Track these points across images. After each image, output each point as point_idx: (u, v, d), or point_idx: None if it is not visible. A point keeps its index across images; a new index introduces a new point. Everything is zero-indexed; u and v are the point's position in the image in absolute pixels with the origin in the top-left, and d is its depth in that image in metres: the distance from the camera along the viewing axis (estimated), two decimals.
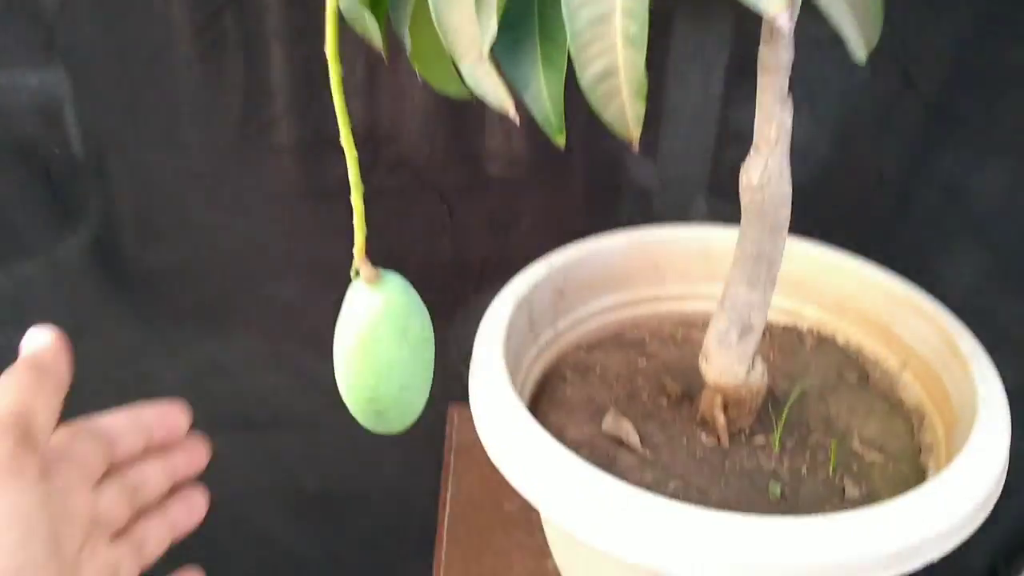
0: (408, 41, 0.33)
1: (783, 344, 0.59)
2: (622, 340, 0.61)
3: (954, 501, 0.42)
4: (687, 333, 0.61)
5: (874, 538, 0.40)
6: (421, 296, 0.42)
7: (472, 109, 0.67)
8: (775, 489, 0.48)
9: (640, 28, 0.28)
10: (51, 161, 0.68)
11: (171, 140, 0.68)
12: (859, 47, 0.35)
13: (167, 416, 0.38)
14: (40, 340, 0.31)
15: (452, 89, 0.39)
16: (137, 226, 0.73)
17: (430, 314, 0.42)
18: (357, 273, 0.40)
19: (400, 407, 0.41)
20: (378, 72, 0.65)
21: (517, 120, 0.32)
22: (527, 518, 0.65)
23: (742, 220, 0.46)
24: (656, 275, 0.61)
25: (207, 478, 0.42)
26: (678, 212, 0.74)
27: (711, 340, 0.49)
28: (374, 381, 0.39)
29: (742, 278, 0.47)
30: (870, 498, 0.48)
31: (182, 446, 0.39)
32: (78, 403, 0.34)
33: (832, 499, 0.48)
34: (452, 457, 0.73)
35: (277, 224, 0.73)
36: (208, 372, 0.80)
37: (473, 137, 0.71)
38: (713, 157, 0.73)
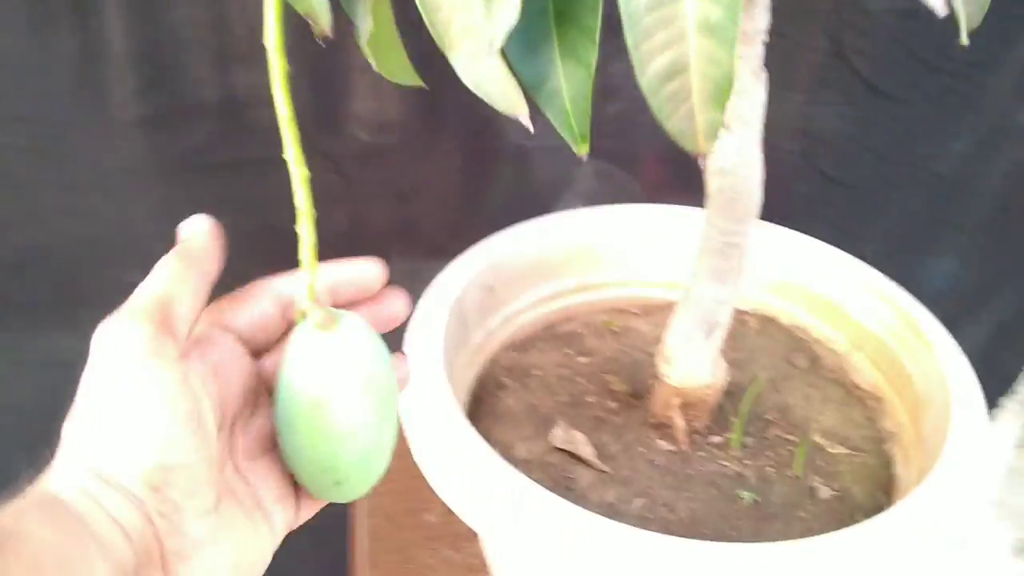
0: (367, 24, 0.26)
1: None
2: (555, 334, 0.55)
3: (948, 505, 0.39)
4: (624, 323, 0.56)
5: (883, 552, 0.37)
6: None
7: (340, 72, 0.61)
8: (746, 496, 0.45)
9: (726, 12, 0.22)
10: None
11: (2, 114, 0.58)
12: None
13: (360, 272, 0.34)
14: (193, 227, 0.31)
15: (406, 79, 0.32)
16: None
17: None
18: (303, 316, 0.31)
19: (362, 474, 0.32)
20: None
21: (531, 129, 0.26)
22: (453, 531, 0.60)
23: (707, 208, 0.41)
24: (590, 261, 0.56)
25: None
26: (562, 175, 0.70)
27: (674, 341, 0.44)
28: (333, 448, 0.30)
29: (709, 272, 0.42)
30: (843, 497, 0.45)
31: (377, 300, 0.34)
32: None
33: (804, 502, 0.45)
34: None
35: (134, 204, 0.64)
36: (63, 374, 0.70)
37: (346, 102, 0.64)
38: (595, 115, 0.69)
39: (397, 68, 0.31)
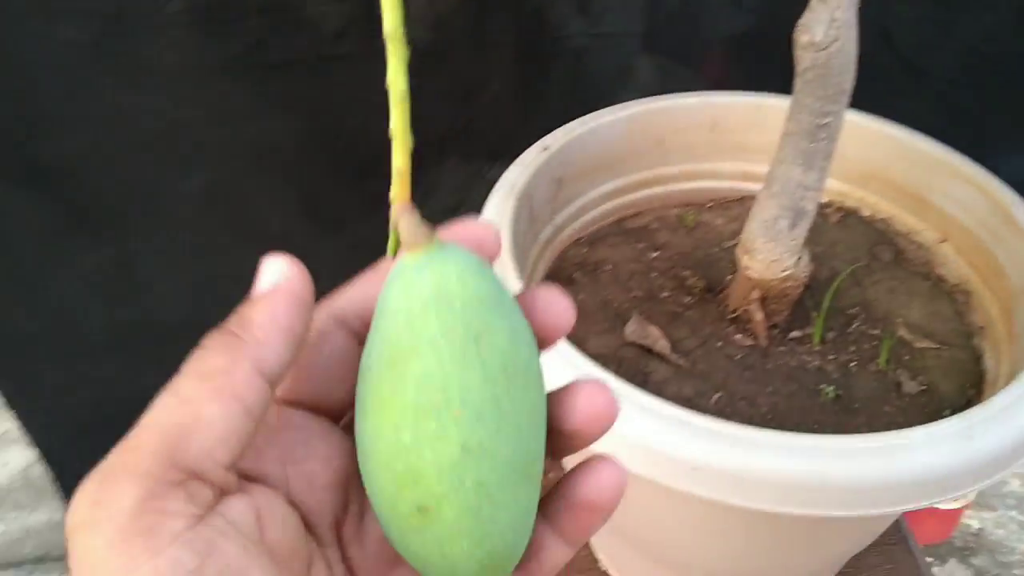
0: None
1: None
2: (626, 229, 0.54)
3: None
4: (697, 217, 0.54)
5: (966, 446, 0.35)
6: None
7: None
8: (828, 390, 0.43)
9: None
10: None
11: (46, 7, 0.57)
12: None
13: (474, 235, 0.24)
14: (271, 273, 0.21)
15: None
16: (17, 117, 0.61)
17: None
18: (396, 244, 0.22)
19: (465, 500, 0.20)
20: None
21: None
22: None
23: (796, 86, 0.39)
24: (659, 153, 0.54)
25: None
26: (617, 73, 0.67)
27: (755, 231, 0.43)
28: (411, 430, 0.20)
29: (796, 156, 0.40)
30: (929, 392, 0.44)
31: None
32: None
33: (889, 396, 0.44)
34: None
35: (189, 103, 0.63)
36: (123, 278, 0.70)
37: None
38: (649, 7, 0.65)
39: None
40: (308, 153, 0.68)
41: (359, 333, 0.23)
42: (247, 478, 0.21)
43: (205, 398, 0.19)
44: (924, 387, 0.44)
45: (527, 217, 0.47)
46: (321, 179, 0.72)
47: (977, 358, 0.46)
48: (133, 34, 0.59)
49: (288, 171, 0.71)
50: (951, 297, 0.49)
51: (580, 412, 0.22)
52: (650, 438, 0.36)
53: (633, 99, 0.62)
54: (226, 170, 0.66)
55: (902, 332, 0.47)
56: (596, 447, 0.23)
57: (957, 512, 1.06)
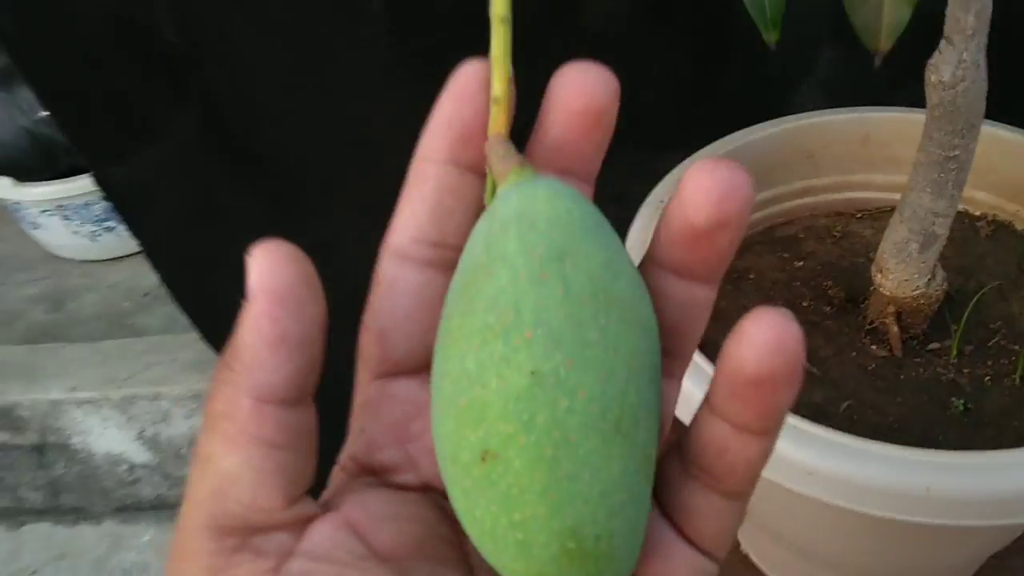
0: None
1: (955, 233, 0.55)
2: (773, 238, 0.57)
3: None
4: (845, 227, 0.57)
5: None
6: None
7: None
8: (957, 403, 0.46)
9: None
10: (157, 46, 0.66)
11: (263, 22, 0.66)
12: None
13: None
14: (262, 276, 0.19)
15: None
16: (240, 108, 0.71)
17: None
18: (493, 185, 0.20)
19: (541, 451, 0.17)
20: None
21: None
22: None
23: (927, 120, 0.41)
24: (810, 165, 0.57)
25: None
26: (802, 64, 0.68)
27: (888, 251, 0.45)
28: (476, 356, 0.17)
29: (926, 184, 0.42)
30: None
31: None
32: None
33: (1021, 412, 0.45)
34: None
35: (382, 104, 0.71)
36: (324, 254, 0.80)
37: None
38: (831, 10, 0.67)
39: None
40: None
41: (430, 260, 0.20)
42: (372, 472, 0.21)
43: (221, 453, 0.18)
44: None
45: None
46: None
47: None
48: (335, 42, 0.68)
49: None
50: None
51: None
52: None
53: (815, 95, 0.64)
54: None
55: None
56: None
57: None
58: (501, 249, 0.17)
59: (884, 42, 0.26)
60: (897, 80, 0.58)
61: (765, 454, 0.19)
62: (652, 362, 0.18)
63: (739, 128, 0.56)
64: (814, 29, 0.68)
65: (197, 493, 0.18)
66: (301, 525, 0.19)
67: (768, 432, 0.19)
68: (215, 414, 0.18)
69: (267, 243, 0.19)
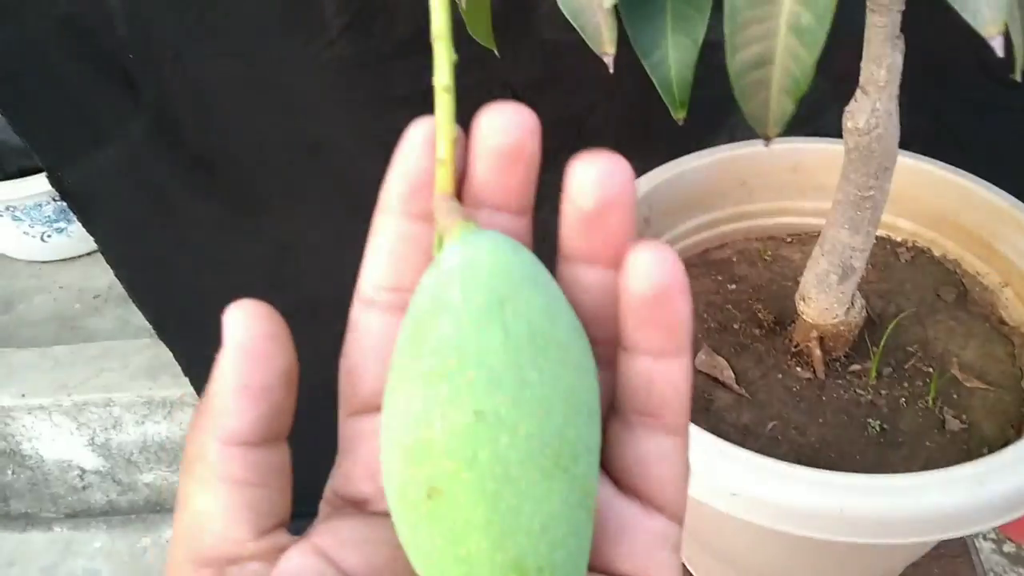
0: None
1: (876, 258, 0.58)
2: (708, 261, 0.60)
3: None
4: (776, 251, 0.60)
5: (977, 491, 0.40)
6: None
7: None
8: (874, 424, 0.49)
9: (816, 19, 0.25)
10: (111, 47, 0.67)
11: (217, 26, 0.67)
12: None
13: None
14: (235, 332, 0.20)
15: (487, 42, 0.36)
16: (196, 109, 0.72)
17: None
18: (440, 243, 0.21)
19: (480, 483, 0.18)
20: None
21: (611, 67, 0.29)
22: None
23: (844, 163, 0.44)
24: (744, 192, 0.60)
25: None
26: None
27: (809, 282, 0.48)
28: (421, 397, 0.18)
29: (844, 221, 0.45)
30: (971, 430, 0.48)
31: None
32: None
33: (931, 432, 0.48)
34: None
35: (339, 128, 0.72)
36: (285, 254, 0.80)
37: (542, 27, 0.68)
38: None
39: (483, 32, 0.35)
40: None
41: (391, 304, 0.22)
42: (352, 504, 0.22)
43: (193, 492, 0.20)
44: (966, 426, 0.48)
45: None
46: None
47: (1023, 400, 0.50)
48: (292, 71, 0.69)
49: None
50: (1008, 340, 0.53)
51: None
52: (699, 466, 0.42)
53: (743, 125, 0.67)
54: (370, 172, 0.75)
55: (955, 371, 0.51)
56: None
57: None
58: (445, 298, 0.19)
59: (772, 130, 0.29)
60: (839, 92, 0.61)
61: (686, 376, 0.21)
62: (590, 400, 0.19)
63: (694, 142, 0.59)
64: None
65: (178, 530, 0.20)
66: (275, 554, 0.20)
67: (680, 349, 0.20)
68: (189, 457, 0.20)
69: (241, 301, 0.20)
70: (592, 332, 0.21)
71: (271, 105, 0.71)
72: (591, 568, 0.21)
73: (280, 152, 0.75)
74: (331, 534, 0.21)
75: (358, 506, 0.22)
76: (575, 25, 0.30)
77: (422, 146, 0.22)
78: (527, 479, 0.18)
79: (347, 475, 0.23)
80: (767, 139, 0.29)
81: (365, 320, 0.22)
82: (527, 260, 0.20)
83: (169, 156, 0.74)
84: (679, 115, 0.31)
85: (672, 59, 0.32)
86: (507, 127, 0.21)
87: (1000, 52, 0.23)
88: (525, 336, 0.18)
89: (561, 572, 0.18)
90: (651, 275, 0.19)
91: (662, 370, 0.21)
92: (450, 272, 0.19)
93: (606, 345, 0.22)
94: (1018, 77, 0.25)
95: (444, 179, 0.21)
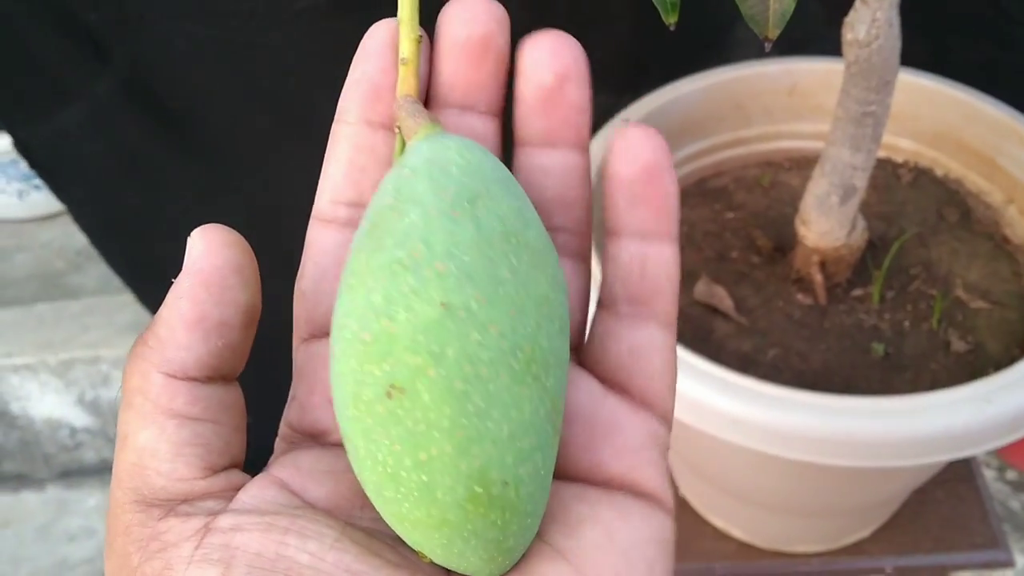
0: None
1: (877, 180, 0.56)
2: (705, 190, 0.58)
3: None
4: (774, 176, 0.58)
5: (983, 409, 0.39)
6: None
7: None
8: (878, 348, 0.48)
9: None
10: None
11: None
12: None
13: None
14: (196, 257, 0.19)
15: None
16: (165, 67, 0.70)
17: None
18: (402, 144, 0.20)
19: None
20: None
21: None
22: None
23: (844, 78, 0.42)
24: (740, 117, 0.58)
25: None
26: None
27: (810, 204, 0.47)
28: (383, 290, 0.17)
29: (845, 139, 0.43)
30: (976, 351, 0.47)
31: None
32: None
33: (937, 354, 0.47)
34: None
35: (316, 86, 0.70)
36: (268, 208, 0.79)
37: None
38: None
39: None
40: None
41: (348, 219, 0.21)
42: (310, 436, 0.21)
43: (134, 427, 0.18)
44: (971, 346, 0.47)
45: None
46: None
47: None
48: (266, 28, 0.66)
49: None
50: (1012, 258, 0.51)
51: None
52: (699, 395, 0.41)
53: (750, 34, 0.65)
54: None
55: (959, 292, 0.50)
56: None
57: None
58: (410, 191, 0.17)
59: (772, 31, 0.27)
60: (833, 18, 0.59)
61: (676, 264, 0.21)
62: (562, 313, 0.18)
63: (688, 67, 0.57)
64: None
65: (119, 469, 0.19)
66: (230, 492, 0.19)
67: (670, 231, 0.20)
68: (130, 390, 0.19)
69: (206, 226, 0.19)
70: (557, 218, 0.21)
71: (244, 62, 0.69)
72: (576, 474, 0.20)
73: (256, 110, 0.72)
74: (292, 466, 0.20)
75: (317, 438, 0.21)
76: None
77: (383, 48, 0.20)
78: (497, 381, 0.16)
79: (303, 405, 0.21)
80: (768, 40, 0.28)
81: (322, 238, 0.21)
82: (498, 164, 0.19)
83: (138, 116, 0.72)
84: (670, 19, 0.29)
85: None
86: (475, 17, 0.20)
87: None
88: (498, 234, 0.17)
89: (526, 491, 0.17)
90: (640, 154, 0.20)
91: (654, 254, 0.20)
92: (415, 168, 0.18)
93: (571, 234, 0.21)
94: None
95: (407, 80, 0.20)
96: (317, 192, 0.21)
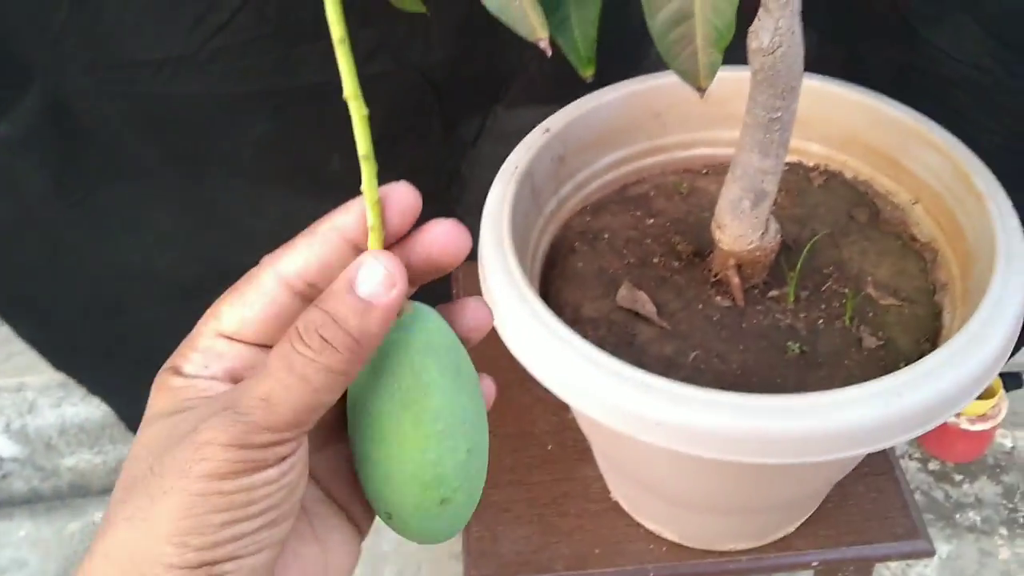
0: None
1: (790, 184, 0.58)
2: (626, 197, 0.59)
3: (975, 356, 0.42)
4: (692, 183, 0.59)
5: (898, 401, 0.41)
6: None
7: None
8: (793, 347, 0.49)
9: None
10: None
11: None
12: None
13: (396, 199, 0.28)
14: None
15: (408, 5, 0.35)
16: (91, 85, 0.69)
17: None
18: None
19: (471, 482, 0.28)
20: None
21: (548, 52, 0.29)
22: None
23: (751, 85, 0.44)
24: (658, 125, 0.59)
25: None
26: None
27: (723, 209, 0.48)
28: (435, 450, 0.27)
29: (754, 145, 0.45)
30: (887, 346, 0.49)
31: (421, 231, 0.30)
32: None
33: (850, 351, 0.49)
34: None
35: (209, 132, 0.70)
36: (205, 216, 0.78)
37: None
38: None
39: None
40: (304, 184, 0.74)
41: (299, 292, 0.27)
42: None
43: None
44: (883, 342, 0.49)
45: (529, 194, 0.53)
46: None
47: (937, 314, 0.51)
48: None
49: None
50: (919, 255, 0.53)
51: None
52: (623, 399, 0.42)
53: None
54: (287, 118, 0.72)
55: (870, 290, 0.52)
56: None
57: (989, 433, 1.09)
58: (426, 375, 0.27)
59: (704, 81, 0.29)
60: (744, 28, 0.60)
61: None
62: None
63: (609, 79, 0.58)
64: None
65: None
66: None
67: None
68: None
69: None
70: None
71: (159, 117, 0.68)
72: None
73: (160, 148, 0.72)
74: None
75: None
76: (503, 20, 0.30)
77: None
78: (481, 464, 0.29)
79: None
80: (701, 91, 0.29)
81: (272, 288, 0.27)
82: (451, 331, 0.28)
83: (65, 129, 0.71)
84: (586, 73, 0.31)
85: (575, 19, 0.31)
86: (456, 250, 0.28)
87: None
88: (473, 388, 0.28)
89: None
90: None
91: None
92: (423, 353, 0.27)
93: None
94: None
95: (375, 242, 0.26)
96: (282, 255, 0.27)
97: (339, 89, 0.26)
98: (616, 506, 0.60)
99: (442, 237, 0.27)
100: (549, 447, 0.64)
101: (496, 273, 0.47)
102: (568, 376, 0.43)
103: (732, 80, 0.58)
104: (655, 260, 0.54)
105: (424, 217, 0.27)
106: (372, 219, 0.26)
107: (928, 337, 0.49)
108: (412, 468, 0.27)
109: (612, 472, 0.59)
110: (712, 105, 0.58)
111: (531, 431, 0.65)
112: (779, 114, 0.43)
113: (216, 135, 0.72)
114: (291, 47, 0.65)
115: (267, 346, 0.27)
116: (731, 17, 0.27)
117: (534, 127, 0.55)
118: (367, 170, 0.25)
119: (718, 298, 0.52)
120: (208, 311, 0.27)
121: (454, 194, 0.71)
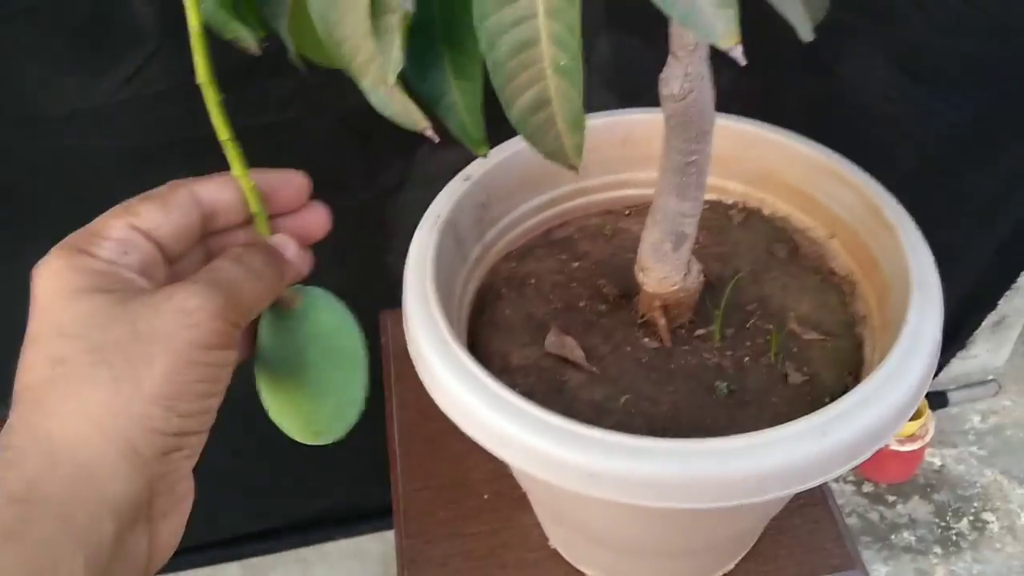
0: (289, 41, 0.29)
1: (710, 222, 0.59)
2: (551, 240, 0.59)
3: (898, 388, 0.43)
4: (615, 224, 0.60)
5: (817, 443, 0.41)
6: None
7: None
8: (721, 387, 0.49)
9: (572, 60, 0.25)
10: None
11: None
12: (805, 29, 0.30)
13: (285, 182, 0.36)
14: None
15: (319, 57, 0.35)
16: None
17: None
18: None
19: (338, 423, 0.39)
20: None
21: (436, 139, 0.29)
22: None
23: (665, 130, 0.44)
24: (579, 167, 0.59)
25: None
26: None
27: (646, 252, 0.48)
28: (312, 407, 0.38)
29: (671, 189, 0.45)
30: (813, 381, 0.49)
31: (298, 213, 0.37)
32: None
33: (776, 387, 0.49)
34: (391, 365, 0.72)
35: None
36: None
37: None
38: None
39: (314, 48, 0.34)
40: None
41: (205, 215, 0.32)
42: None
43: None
44: (807, 377, 0.49)
45: (452, 243, 0.53)
46: None
47: (858, 345, 0.51)
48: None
49: None
50: (839, 289, 0.54)
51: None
52: (552, 450, 0.41)
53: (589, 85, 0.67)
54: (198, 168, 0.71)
55: (793, 325, 0.52)
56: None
57: (919, 453, 1.12)
58: (310, 355, 0.38)
59: (575, 161, 0.30)
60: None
61: None
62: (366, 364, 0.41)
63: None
64: (590, 20, 0.71)
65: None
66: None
67: None
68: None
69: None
70: None
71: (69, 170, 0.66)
72: None
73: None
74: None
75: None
76: (386, 115, 0.31)
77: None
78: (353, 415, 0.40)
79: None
80: (575, 170, 0.30)
81: (189, 201, 0.33)
82: (341, 313, 0.39)
83: None
84: (481, 152, 0.32)
85: (460, 104, 0.32)
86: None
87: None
88: (352, 364, 0.40)
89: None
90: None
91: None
92: (305, 339, 0.38)
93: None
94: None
95: (261, 227, 0.35)
96: (202, 180, 0.33)
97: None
98: (555, 554, 0.60)
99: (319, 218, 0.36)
100: (485, 496, 0.63)
101: (421, 327, 0.46)
102: (497, 429, 0.43)
103: (649, 122, 0.59)
104: (582, 304, 0.54)
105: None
106: (253, 206, 0.34)
107: (851, 370, 0.50)
108: (295, 415, 0.38)
109: (549, 520, 0.58)
110: (630, 147, 0.59)
111: (466, 480, 0.64)
112: (694, 157, 0.43)
113: (126, 186, 0.70)
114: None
115: (167, 252, 0.30)
116: (579, 105, 0.29)
117: (458, 171, 0.55)
118: (232, 154, 0.30)
119: (646, 339, 0.52)
120: (118, 208, 0.30)
121: (377, 243, 0.70)
